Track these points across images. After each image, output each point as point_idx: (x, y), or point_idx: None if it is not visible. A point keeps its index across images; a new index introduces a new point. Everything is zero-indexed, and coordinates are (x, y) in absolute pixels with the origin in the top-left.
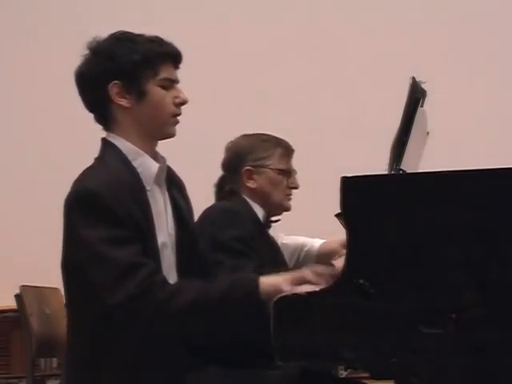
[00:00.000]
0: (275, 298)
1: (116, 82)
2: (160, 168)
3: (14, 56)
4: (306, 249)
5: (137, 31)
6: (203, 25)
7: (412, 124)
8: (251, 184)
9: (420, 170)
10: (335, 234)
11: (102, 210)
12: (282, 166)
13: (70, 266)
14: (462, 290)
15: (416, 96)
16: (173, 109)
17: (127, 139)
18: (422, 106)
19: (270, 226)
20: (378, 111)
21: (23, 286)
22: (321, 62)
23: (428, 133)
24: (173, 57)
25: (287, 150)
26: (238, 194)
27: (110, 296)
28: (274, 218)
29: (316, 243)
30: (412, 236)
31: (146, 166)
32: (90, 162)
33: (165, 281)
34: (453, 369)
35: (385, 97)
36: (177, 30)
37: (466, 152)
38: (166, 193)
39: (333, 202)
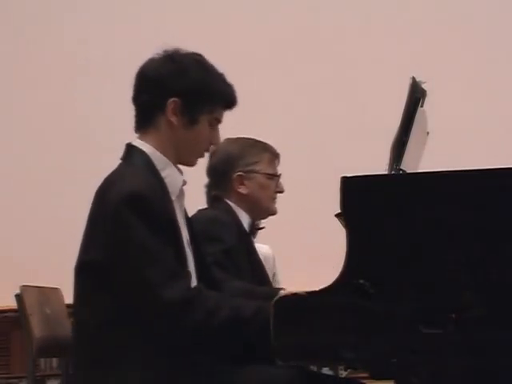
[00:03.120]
0: (275, 299)
1: (177, 99)
2: (184, 181)
3: (14, 56)
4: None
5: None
6: (202, 25)
7: (412, 124)
8: (242, 189)
9: (420, 170)
10: (335, 234)
11: (148, 212)
12: (270, 171)
13: (96, 264)
14: (462, 290)
15: (416, 96)
16: (207, 146)
17: (160, 149)
18: (422, 106)
19: (255, 234)
20: (378, 111)
21: (23, 285)
22: (321, 63)
23: (428, 133)
24: (231, 104)
25: (274, 155)
26: (222, 201)
27: (165, 292)
28: (259, 226)
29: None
30: (412, 236)
31: (173, 178)
32: (90, 162)
33: (209, 294)
34: (453, 369)
35: (385, 97)
36: (176, 29)
37: (466, 152)
38: (184, 205)
39: (333, 202)
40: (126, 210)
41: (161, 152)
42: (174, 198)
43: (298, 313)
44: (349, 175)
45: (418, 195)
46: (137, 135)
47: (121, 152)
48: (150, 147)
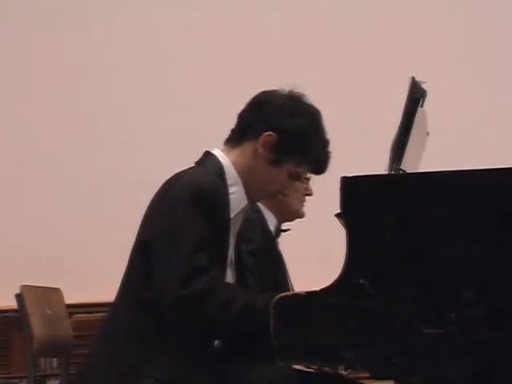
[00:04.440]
0: (275, 299)
1: (274, 135)
2: (247, 205)
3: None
4: None
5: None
6: (202, 25)
7: (412, 124)
8: None
9: (420, 170)
10: (335, 234)
11: (206, 208)
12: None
13: (144, 243)
14: (462, 290)
15: (416, 96)
16: (275, 191)
17: (236, 168)
18: (421, 106)
19: (279, 236)
20: (378, 111)
21: (24, 285)
22: (320, 62)
23: (428, 133)
24: (318, 171)
25: None
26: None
27: (182, 289)
28: (284, 228)
29: None
30: (412, 236)
31: (238, 196)
32: (89, 163)
33: (226, 285)
34: (453, 369)
35: (385, 97)
36: (175, 29)
37: (466, 152)
38: (238, 227)
39: (333, 202)
40: (187, 198)
41: (236, 171)
42: (232, 215)
43: (298, 313)
44: (349, 175)
45: (418, 195)
46: (223, 147)
47: (121, 152)
48: (228, 161)
